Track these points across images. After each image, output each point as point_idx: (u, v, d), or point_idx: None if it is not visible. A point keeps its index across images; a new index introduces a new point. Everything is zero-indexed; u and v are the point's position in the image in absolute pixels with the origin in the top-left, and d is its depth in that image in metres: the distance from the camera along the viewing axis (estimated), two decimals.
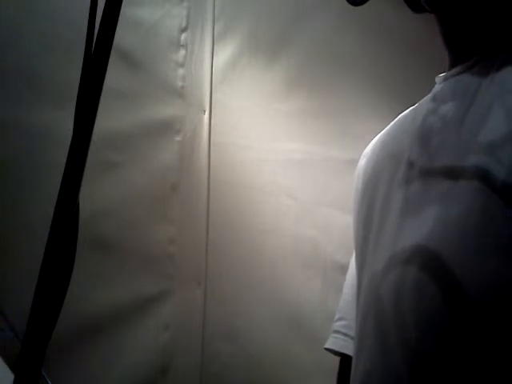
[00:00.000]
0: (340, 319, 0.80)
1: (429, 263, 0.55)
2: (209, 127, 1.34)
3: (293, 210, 1.37)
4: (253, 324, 1.29)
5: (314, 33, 1.45)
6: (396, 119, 0.76)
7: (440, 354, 0.53)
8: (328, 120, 1.43)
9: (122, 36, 1.23)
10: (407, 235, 0.59)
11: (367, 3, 0.61)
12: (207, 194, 1.32)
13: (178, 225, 1.28)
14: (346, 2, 0.61)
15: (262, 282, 1.31)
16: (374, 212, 0.68)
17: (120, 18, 0.42)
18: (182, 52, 1.34)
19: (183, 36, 1.35)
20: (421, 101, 0.70)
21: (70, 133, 0.41)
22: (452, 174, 0.56)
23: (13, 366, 0.84)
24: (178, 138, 1.31)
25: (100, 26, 0.42)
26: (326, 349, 0.81)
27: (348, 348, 0.75)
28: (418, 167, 0.62)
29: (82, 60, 0.42)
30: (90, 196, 1.13)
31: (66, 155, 0.41)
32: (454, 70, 0.65)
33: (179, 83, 1.33)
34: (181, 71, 1.34)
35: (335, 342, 0.79)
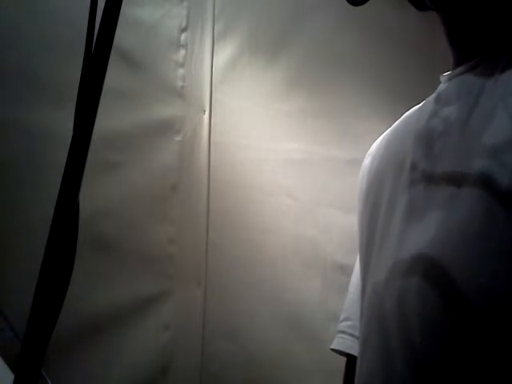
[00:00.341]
0: (346, 319, 0.79)
1: (432, 268, 0.55)
2: (209, 127, 1.34)
3: (293, 209, 1.37)
4: (253, 323, 1.29)
5: (314, 33, 1.45)
6: (401, 118, 0.76)
7: (443, 357, 0.53)
8: (328, 120, 1.43)
9: (122, 36, 1.23)
10: (411, 240, 0.59)
11: (367, 3, 0.61)
12: (207, 193, 1.32)
13: (178, 225, 1.28)
14: (346, 2, 0.61)
15: (262, 281, 1.32)
16: (379, 212, 0.67)
17: (120, 17, 0.42)
18: (182, 52, 1.34)
19: (183, 36, 1.35)
20: (425, 100, 0.70)
21: (70, 133, 0.41)
22: (455, 178, 0.56)
23: (13, 366, 0.84)
24: (178, 138, 1.31)
25: (100, 26, 0.42)
26: (332, 349, 0.80)
27: (354, 348, 0.74)
28: (421, 170, 0.62)
29: (82, 60, 0.42)
30: (90, 196, 1.13)
31: (66, 155, 0.41)
32: (458, 70, 0.64)
33: (179, 83, 1.33)
34: (181, 71, 1.34)
35: (342, 343, 0.78)
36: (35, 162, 1.14)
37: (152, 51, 1.31)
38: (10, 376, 0.84)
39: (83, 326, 1.13)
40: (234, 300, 1.29)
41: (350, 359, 0.77)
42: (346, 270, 1.33)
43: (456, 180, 0.56)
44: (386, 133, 0.78)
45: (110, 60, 0.42)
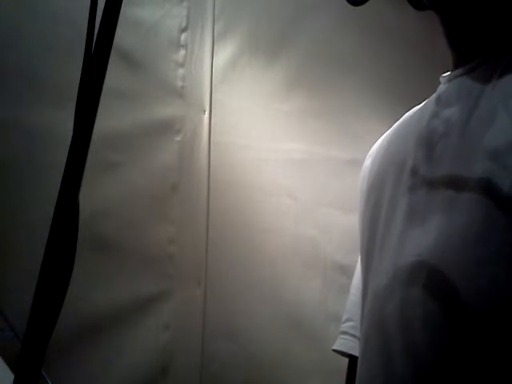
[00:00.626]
0: (348, 320, 0.79)
1: (433, 273, 0.55)
2: (209, 127, 1.34)
3: (293, 209, 1.37)
4: (253, 323, 1.29)
5: (314, 33, 1.45)
6: (401, 119, 0.76)
7: (444, 360, 0.53)
8: (328, 120, 1.43)
9: (122, 36, 1.23)
10: (412, 242, 0.59)
11: (367, 3, 0.61)
12: (207, 193, 1.32)
13: (178, 225, 1.28)
14: (346, 2, 0.61)
15: (262, 281, 1.32)
16: (380, 214, 0.67)
17: (120, 17, 0.42)
18: (182, 52, 1.34)
19: (183, 36, 1.35)
20: (426, 101, 0.70)
21: (70, 133, 0.41)
22: (455, 181, 0.56)
23: (13, 366, 0.84)
24: (177, 138, 1.31)
25: (100, 26, 0.42)
26: (335, 350, 0.80)
27: (356, 349, 0.74)
28: (422, 173, 0.61)
29: (82, 60, 0.42)
30: (90, 196, 1.13)
31: (66, 155, 0.41)
32: (458, 71, 0.64)
33: (179, 83, 1.33)
34: (181, 71, 1.34)
35: (344, 344, 0.78)
36: (35, 162, 1.14)
37: (152, 51, 1.31)
38: (10, 376, 0.84)
39: (83, 326, 1.13)
40: (233, 300, 1.29)
41: (353, 360, 0.77)
42: (346, 270, 1.33)
43: (456, 183, 0.56)
44: (386, 134, 0.78)
45: (110, 60, 0.42)
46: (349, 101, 1.44)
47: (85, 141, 0.41)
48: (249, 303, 1.30)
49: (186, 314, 1.26)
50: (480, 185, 0.52)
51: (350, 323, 0.78)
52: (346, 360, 0.80)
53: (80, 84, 0.42)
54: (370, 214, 0.70)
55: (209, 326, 1.27)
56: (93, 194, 1.15)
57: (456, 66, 0.65)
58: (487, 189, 0.52)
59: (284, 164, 1.38)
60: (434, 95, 0.67)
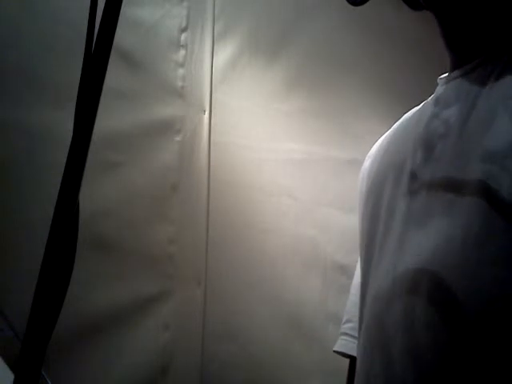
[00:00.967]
0: (348, 321, 0.79)
1: (433, 275, 0.55)
2: (209, 127, 1.34)
3: (293, 209, 1.37)
4: (253, 323, 1.29)
5: (314, 33, 1.45)
6: (400, 120, 0.76)
7: (444, 363, 0.53)
8: (328, 120, 1.43)
9: (122, 36, 1.23)
10: (411, 245, 0.59)
11: (367, 3, 0.61)
12: (207, 193, 1.32)
13: (178, 225, 1.28)
14: (346, 2, 0.61)
15: (262, 281, 1.32)
16: (379, 215, 0.67)
17: (120, 18, 0.42)
18: (182, 52, 1.34)
19: (183, 36, 1.35)
20: (424, 102, 0.70)
21: (70, 133, 0.41)
22: (454, 183, 0.56)
23: (13, 366, 0.84)
24: (177, 138, 1.31)
25: (100, 26, 0.42)
26: (335, 351, 0.80)
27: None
28: (421, 176, 0.61)
29: (82, 60, 0.42)
30: (90, 196, 1.13)
31: (66, 155, 0.41)
32: (456, 73, 0.64)
33: (179, 83, 1.33)
34: (181, 71, 1.34)
35: (344, 345, 0.78)
36: (35, 162, 1.14)
37: (152, 51, 1.31)
38: (10, 376, 0.84)
39: (83, 326, 1.13)
40: (233, 300, 1.29)
41: (353, 361, 0.77)
42: (346, 270, 1.33)
43: (455, 185, 0.56)
44: (385, 135, 0.78)
45: (110, 60, 0.42)
46: (349, 101, 1.44)
47: (85, 141, 0.41)
48: (249, 303, 1.30)
49: (186, 314, 1.26)
50: (479, 187, 0.52)
51: (350, 324, 0.78)
52: (346, 360, 0.80)
53: (80, 84, 0.42)
54: (369, 214, 0.70)
55: (209, 326, 1.27)
56: (93, 194, 1.15)
57: (454, 68, 0.65)
58: (486, 191, 0.52)
59: (284, 164, 1.38)
60: (433, 97, 0.67)
